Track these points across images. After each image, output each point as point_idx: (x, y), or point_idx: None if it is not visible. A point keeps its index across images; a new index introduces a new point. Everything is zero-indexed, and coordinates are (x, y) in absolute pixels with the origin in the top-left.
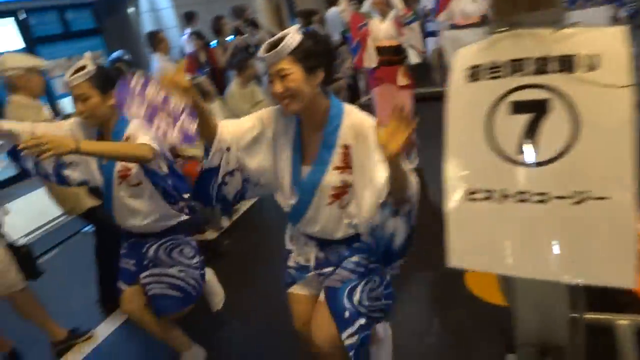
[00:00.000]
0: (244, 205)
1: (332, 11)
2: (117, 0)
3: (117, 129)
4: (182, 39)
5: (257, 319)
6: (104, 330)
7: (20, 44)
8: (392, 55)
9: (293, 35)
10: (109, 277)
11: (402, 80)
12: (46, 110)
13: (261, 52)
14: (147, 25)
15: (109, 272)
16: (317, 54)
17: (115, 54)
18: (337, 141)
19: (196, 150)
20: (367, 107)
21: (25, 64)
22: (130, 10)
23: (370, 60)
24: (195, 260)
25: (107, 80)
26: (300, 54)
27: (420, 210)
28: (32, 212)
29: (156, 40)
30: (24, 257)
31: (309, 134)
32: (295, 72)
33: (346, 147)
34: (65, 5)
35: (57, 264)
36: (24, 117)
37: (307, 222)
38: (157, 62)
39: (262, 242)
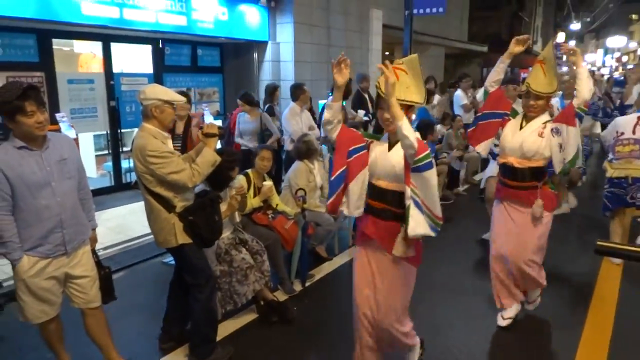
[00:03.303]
0: (320, 273)
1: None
2: (245, 46)
3: None
4: None
5: None
6: None
7: (150, 69)
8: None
9: None
10: (176, 317)
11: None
12: (170, 143)
13: None
14: (266, 73)
15: (176, 312)
16: None
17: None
18: None
19: (289, 209)
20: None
21: (162, 96)
22: (255, 56)
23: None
24: None
25: None
26: None
27: None
28: (116, 226)
29: (299, 90)
30: (105, 278)
31: None
32: None
33: None
34: (199, 41)
35: (127, 285)
36: (150, 145)
37: None
38: (289, 111)
39: (332, 315)
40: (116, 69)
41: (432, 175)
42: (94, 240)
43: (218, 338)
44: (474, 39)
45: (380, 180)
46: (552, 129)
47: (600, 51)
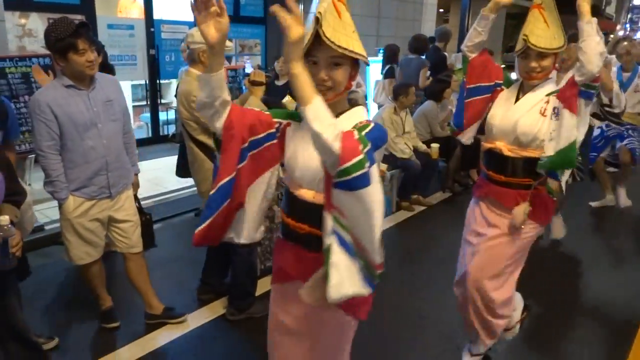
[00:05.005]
0: None
1: None
2: None
3: None
4: None
5: None
6: (196, 319)
7: (191, 16)
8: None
9: None
10: (215, 269)
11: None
12: None
13: None
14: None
15: (216, 265)
16: None
17: None
18: None
19: None
20: None
21: None
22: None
23: None
24: None
25: None
26: None
27: None
28: (153, 178)
29: None
30: (146, 224)
31: None
32: None
33: None
34: None
35: (165, 236)
36: (196, 90)
37: None
38: None
39: None
40: (156, 15)
41: (372, 194)
42: (136, 185)
43: (256, 294)
44: None
45: (302, 189)
46: (554, 108)
47: None
